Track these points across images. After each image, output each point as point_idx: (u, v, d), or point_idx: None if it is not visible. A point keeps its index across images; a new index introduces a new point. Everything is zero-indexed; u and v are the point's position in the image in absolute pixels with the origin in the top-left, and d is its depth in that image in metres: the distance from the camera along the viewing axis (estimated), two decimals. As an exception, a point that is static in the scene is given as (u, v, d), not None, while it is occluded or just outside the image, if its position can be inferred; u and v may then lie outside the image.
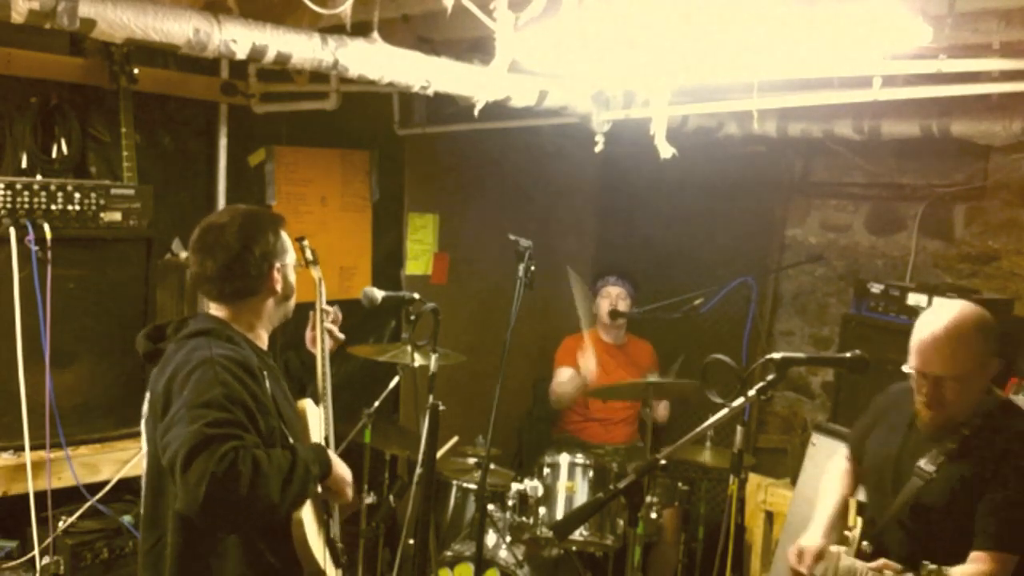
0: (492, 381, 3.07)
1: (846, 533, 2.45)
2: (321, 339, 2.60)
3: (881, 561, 2.18)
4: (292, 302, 2.40)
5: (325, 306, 2.65)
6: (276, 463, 2.02)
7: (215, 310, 2.28)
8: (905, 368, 2.33)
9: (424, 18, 3.11)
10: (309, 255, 2.78)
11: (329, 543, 2.32)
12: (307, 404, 2.42)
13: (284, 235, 2.33)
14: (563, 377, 4.38)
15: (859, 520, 2.44)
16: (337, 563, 2.35)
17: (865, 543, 2.34)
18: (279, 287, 2.29)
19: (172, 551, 2.10)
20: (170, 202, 3.69)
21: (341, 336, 2.68)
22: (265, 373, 2.19)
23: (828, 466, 2.76)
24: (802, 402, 4.73)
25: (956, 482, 2.27)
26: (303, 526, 2.15)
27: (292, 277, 2.36)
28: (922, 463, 2.32)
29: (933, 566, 1.99)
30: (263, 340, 2.34)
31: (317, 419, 2.45)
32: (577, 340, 4.54)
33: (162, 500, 2.13)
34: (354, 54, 2.80)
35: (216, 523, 2.00)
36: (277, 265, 2.28)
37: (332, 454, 2.28)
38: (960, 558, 2.19)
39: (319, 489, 2.25)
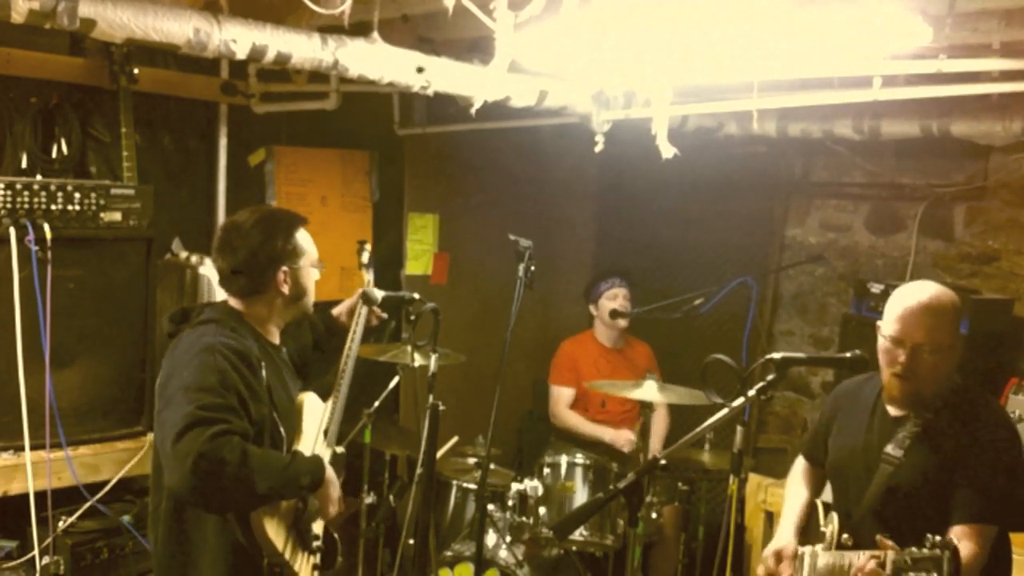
0: (492, 381, 3.07)
1: (822, 530, 2.44)
2: (351, 338, 2.69)
3: (869, 552, 2.15)
4: (306, 301, 2.49)
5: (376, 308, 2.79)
6: (267, 461, 2.14)
7: (232, 302, 2.42)
8: (881, 337, 2.35)
9: (424, 18, 3.11)
10: (365, 259, 2.90)
11: (297, 529, 2.36)
12: (307, 397, 2.48)
13: (299, 237, 2.43)
14: (569, 403, 4.44)
15: (833, 516, 2.43)
16: (308, 550, 2.41)
17: (845, 536, 2.34)
18: (286, 289, 2.40)
19: (165, 516, 2.29)
20: (170, 202, 3.69)
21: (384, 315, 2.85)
22: (263, 364, 2.31)
23: (790, 472, 2.78)
24: (802, 402, 4.73)
25: (928, 465, 2.28)
26: (260, 512, 2.22)
27: (306, 279, 2.45)
28: (889, 448, 2.33)
29: (938, 538, 1.97)
30: (273, 335, 2.47)
31: (318, 413, 2.51)
32: (576, 344, 4.54)
33: (162, 471, 2.25)
34: (354, 54, 2.80)
35: (197, 499, 2.13)
36: (284, 268, 2.38)
37: (330, 471, 2.36)
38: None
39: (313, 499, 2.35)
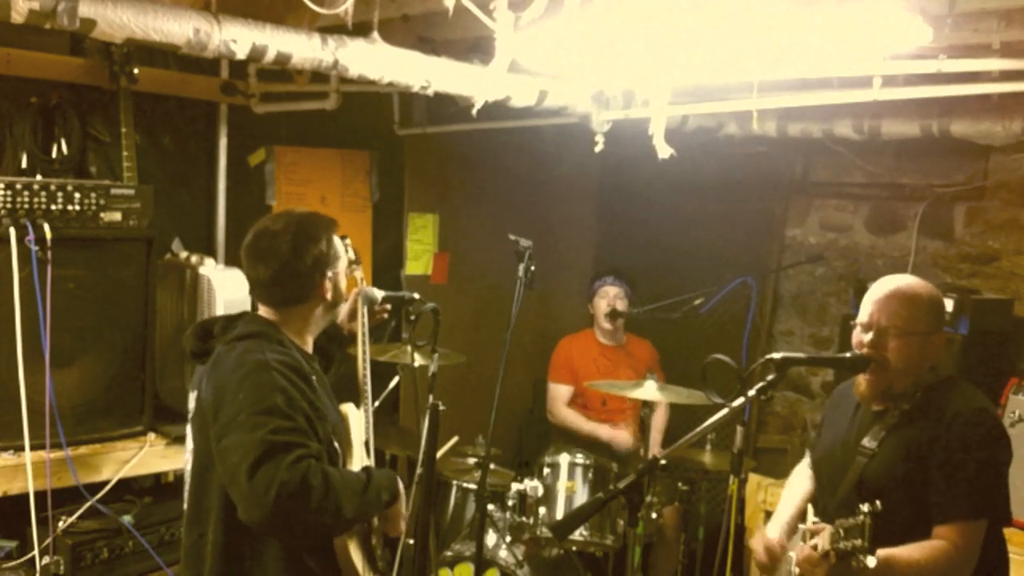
0: (492, 381, 3.07)
1: (800, 526, 2.44)
2: (362, 343, 2.64)
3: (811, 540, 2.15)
4: (341, 308, 2.44)
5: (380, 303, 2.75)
6: (348, 482, 2.05)
7: (264, 312, 2.29)
8: (853, 322, 2.35)
9: (424, 18, 3.11)
10: (352, 255, 2.77)
11: (367, 551, 2.31)
12: (349, 408, 2.44)
13: (337, 241, 2.35)
14: (566, 401, 4.44)
15: (810, 512, 2.44)
16: (376, 570, 2.35)
17: (807, 526, 2.33)
18: (329, 295, 2.31)
19: (212, 549, 2.12)
20: (170, 202, 3.69)
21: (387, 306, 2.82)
22: (314, 377, 2.21)
23: (792, 472, 2.77)
24: (802, 402, 4.73)
25: (901, 452, 2.25)
26: (345, 537, 2.16)
27: (343, 284, 2.38)
28: (865, 441, 2.32)
29: (865, 506, 1.95)
30: (308, 344, 2.36)
31: (359, 424, 2.47)
32: (574, 342, 4.54)
33: (205, 498, 2.15)
34: (354, 54, 2.80)
35: (281, 531, 2.02)
36: (328, 274, 2.29)
37: (400, 484, 2.30)
38: (913, 534, 2.16)
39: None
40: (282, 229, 2.25)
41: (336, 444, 2.23)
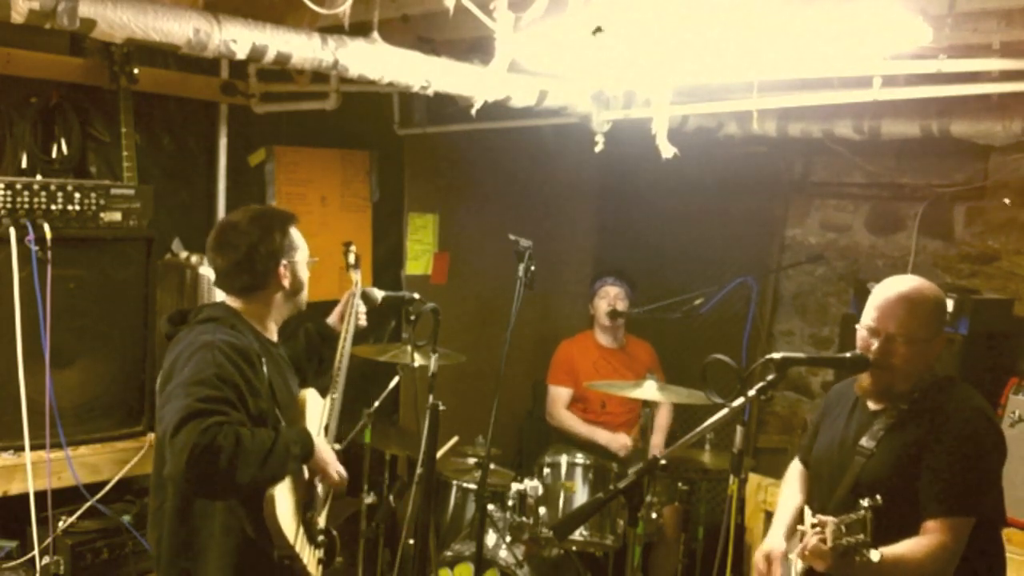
0: (492, 381, 3.07)
1: (799, 528, 2.44)
2: (345, 338, 2.76)
3: (815, 531, 2.14)
4: (303, 296, 2.55)
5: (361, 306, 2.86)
6: (259, 440, 2.16)
7: (230, 301, 2.45)
8: (859, 326, 2.35)
9: (424, 18, 3.11)
10: (352, 259, 2.96)
11: (306, 523, 2.40)
12: (309, 394, 2.53)
13: (293, 233, 2.50)
14: (565, 404, 4.44)
15: (808, 514, 2.43)
16: (314, 543, 2.45)
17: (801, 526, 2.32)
18: (286, 283, 2.46)
19: (169, 514, 2.32)
20: (170, 202, 3.69)
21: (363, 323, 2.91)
22: (264, 360, 2.34)
23: (785, 474, 2.76)
24: (802, 402, 4.73)
25: (897, 452, 2.26)
26: (274, 502, 2.25)
27: (302, 272, 2.52)
28: (863, 441, 2.32)
29: (866, 501, 1.98)
30: (271, 331, 2.51)
31: (319, 409, 2.55)
32: (574, 344, 4.53)
33: (165, 468, 2.28)
34: (354, 54, 2.80)
35: (197, 489, 2.19)
36: (284, 262, 2.44)
37: (318, 438, 2.40)
38: (910, 533, 2.16)
39: (305, 472, 2.38)
40: (239, 221, 2.43)
41: (284, 423, 2.35)
